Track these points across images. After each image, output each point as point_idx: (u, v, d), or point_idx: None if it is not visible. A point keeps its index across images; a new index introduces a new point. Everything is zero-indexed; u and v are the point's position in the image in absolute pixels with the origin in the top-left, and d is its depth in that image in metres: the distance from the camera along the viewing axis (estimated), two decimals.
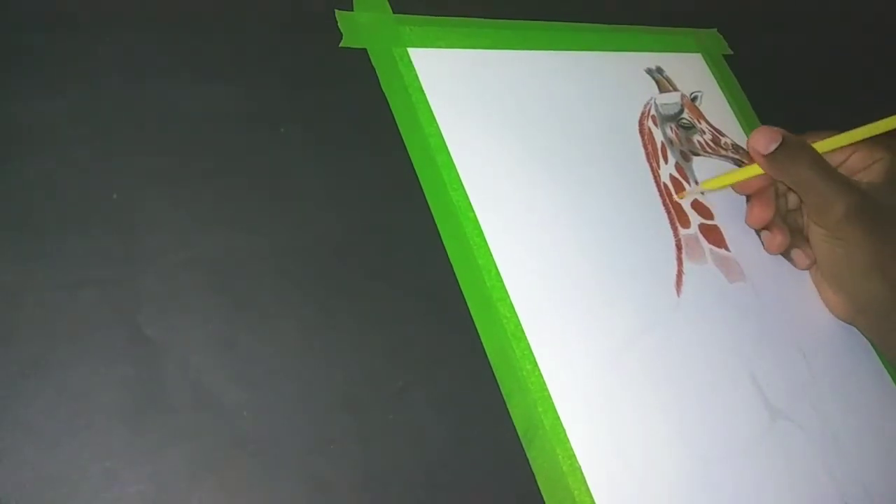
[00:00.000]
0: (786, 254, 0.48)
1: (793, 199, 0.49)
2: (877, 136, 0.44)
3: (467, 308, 0.36)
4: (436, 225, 0.38)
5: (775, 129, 0.44)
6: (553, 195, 0.42)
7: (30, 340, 0.28)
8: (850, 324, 0.47)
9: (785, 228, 0.47)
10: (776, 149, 0.43)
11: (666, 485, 0.36)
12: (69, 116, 0.33)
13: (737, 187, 0.47)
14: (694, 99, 0.53)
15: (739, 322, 0.43)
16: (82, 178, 0.32)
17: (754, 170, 0.45)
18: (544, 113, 0.45)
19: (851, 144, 0.45)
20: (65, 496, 0.26)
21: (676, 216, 0.45)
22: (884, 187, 0.44)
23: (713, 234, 0.46)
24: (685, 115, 0.51)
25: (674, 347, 0.40)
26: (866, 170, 0.46)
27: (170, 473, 0.28)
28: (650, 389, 0.38)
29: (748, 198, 0.47)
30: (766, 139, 0.43)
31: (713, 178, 0.47)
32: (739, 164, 0.51)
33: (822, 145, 0.45)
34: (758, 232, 0.48)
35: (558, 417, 0.35)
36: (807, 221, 0.48)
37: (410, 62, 0.42)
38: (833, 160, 0.46)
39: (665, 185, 0.46)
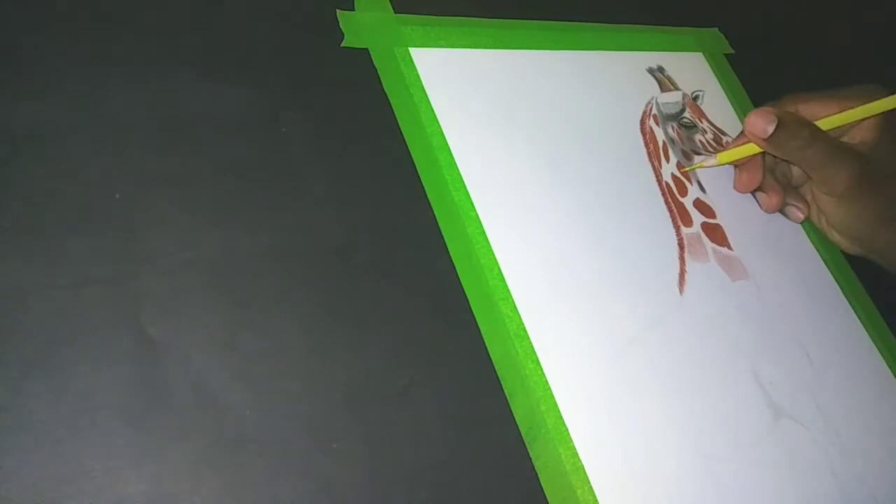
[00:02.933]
0: (781, 210, 0.50)
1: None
2: (862, 92, 0.45)
3: (470, 307, 0.36)
4: (438, 224, 0.38)
5: (770, 109, 0.45)
6: (555, 194, 0.42)
7: (32, 340, 0.28)
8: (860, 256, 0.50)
9: (779, 187, 0.48)
10: (774, 130, 0.43)
11: (669, 483, 0.36)
12: (71, 116, 0.33)
13: (738, 185, 0.48)
14: (695, 98, 0.53)
15: (742, 320, 0.43)
16: (84, 178, 0.32)
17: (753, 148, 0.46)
18: (546, 112, 0.45)
19: (838, 102, 0.46)
20: (68, 496, 0.26)
21: (679, 215, 0.45)
22: (878, 142, 0.45)
23: (716, 233, 0.46)
24: (687, 114, 0.51)
25: (676, 346, 0.40)
26: (856, 127, 0.47)
27: (172, 473, 0.28)
28: (653, 388, 0.38)
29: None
30: (762, 122, 0.44)
31: (727, 151, 0.48)
32: None
33: (821, 124, 0.45)
34: (753, 192, 0.49)
35: (561, 416, 0.35)
36: (810, 187, 0.49)
37: (412, 62, 0.42)
38: (817, 116, 0.47)
39: (667, 184, 0.46)
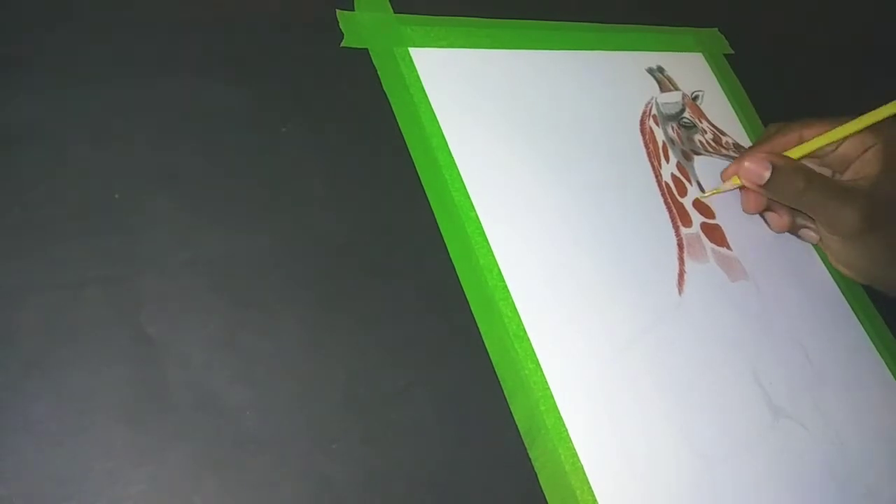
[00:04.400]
0: (793, 231, 0.49)
1: None
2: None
3: (469, 308, 0.36)
4: (437, 224, 0.38)
5: (762, 156, 0.44)
6: (554, 194, 0.42)
7: (32, 340, 0.28)
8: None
9: (787, 208, 0.47)
10: (770, 177, 0.43)
11: (668, 484, 0.36)
12: (70, 116, 0.33)
13: (747, 207, 0.48)
14: (695, 98, 0.53)
15: (741, 321, 0.43)
16: (83, 178, 0.32)
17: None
18: (545, 112, 0.45)
19: (850, 134, 0.45)
20: (67, 496, 0.26)
21: (678, 215, 0.45)
22: (883, 177, 0.44)
23: (715, 233, 0.46)
24: (686, 114, 0.51)
25: (676, 346, 0.40)
26: (860, 159, 0.46)
27: (172, 473, 0.28)
28: (652, 389, 0.38)
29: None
30: (757, 169, 0.43)
31: (718, 187, 0.48)
32: None
33: (814, 143, 0.45)
34: (761, 213, 0.49)
35: (560, 417, 0.35)
36: (818, 228, 0.47)
37: (412, 62, 0.42)
38: (824, 150, 0.46)
39: (666, 184, 0.46)
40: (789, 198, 0.44)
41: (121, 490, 0.27)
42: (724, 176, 0.48)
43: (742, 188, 0.47)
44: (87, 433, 0.28)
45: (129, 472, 0.28)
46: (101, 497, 0.27)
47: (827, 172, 0.48)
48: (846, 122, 0.44)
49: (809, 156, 0.47)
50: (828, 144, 0.45)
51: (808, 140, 0.46)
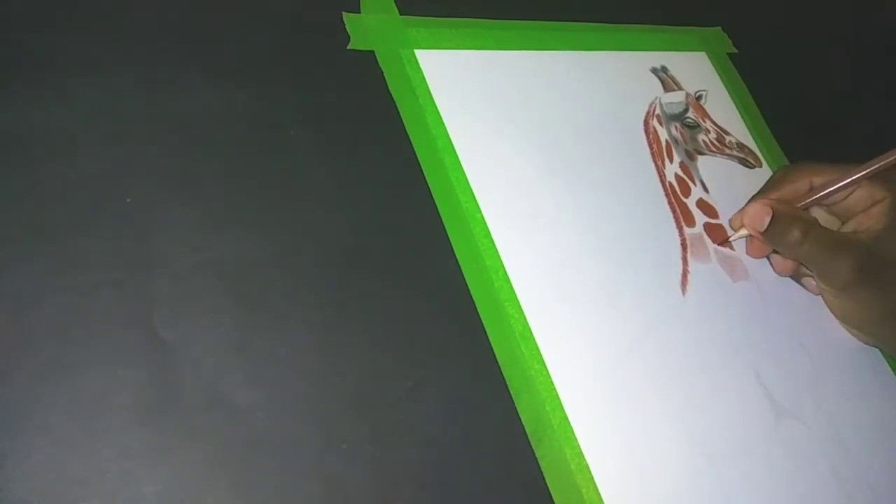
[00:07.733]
0: (796, 278, 0.47)
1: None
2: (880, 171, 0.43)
3: (476, 309, 0.37)
4: (444, 226, 0.38)
5: (765, 202, 0.43)
6: (559, 195, 0.42)
7: (46, 343, 0.29)
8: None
9: None
10: (769, 224, 0.42)
11: (673, 483, 0.36)
12: (82, 120, 0.33)
13: (750, 251, 0.47)
14: (699, 98, 0.53)
15: (744, 321, 0.44)
16: (95, 182, 0.32)
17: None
18: (550, 113, 0.45)
19: (853, 180, 0.43)
20: (82, 497, 0.27)
21: (682, 215, 0.46)
22: (885, 234, 0.42)
23: (718, 233, 0.47)
24: (690, 114, 0.51)
25: (679, 346, 0.40)
26: (866, 213, 0.44)
27: (185, 474, 0.29)
28: (656, 388, 0.38)
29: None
30: (758, 215, 0.43)
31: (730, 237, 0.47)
32: (745, 162, 0.52)
33: (821, 187, 0.44)
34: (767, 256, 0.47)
35: (566, 416, 0.35)
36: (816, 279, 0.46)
37: (417, 64, 0.42)
38: (833, 198, 0.45)
39: (670, 184, 0.47)
40: (786, 248, 0.43)
41: (136, 491, 0.28)
42: (732, 223, 0.46)
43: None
44: (103, 435, 0.28)
45: (143, 472, 0.28)
46: (116, 497, 0.27)
47: (835, 221, 0.47)
48: (857, 170, 0.43)
49: (818, 203, 0.45)
50: (836, 192, 0.44)
51: (818, 187, 0.45)
